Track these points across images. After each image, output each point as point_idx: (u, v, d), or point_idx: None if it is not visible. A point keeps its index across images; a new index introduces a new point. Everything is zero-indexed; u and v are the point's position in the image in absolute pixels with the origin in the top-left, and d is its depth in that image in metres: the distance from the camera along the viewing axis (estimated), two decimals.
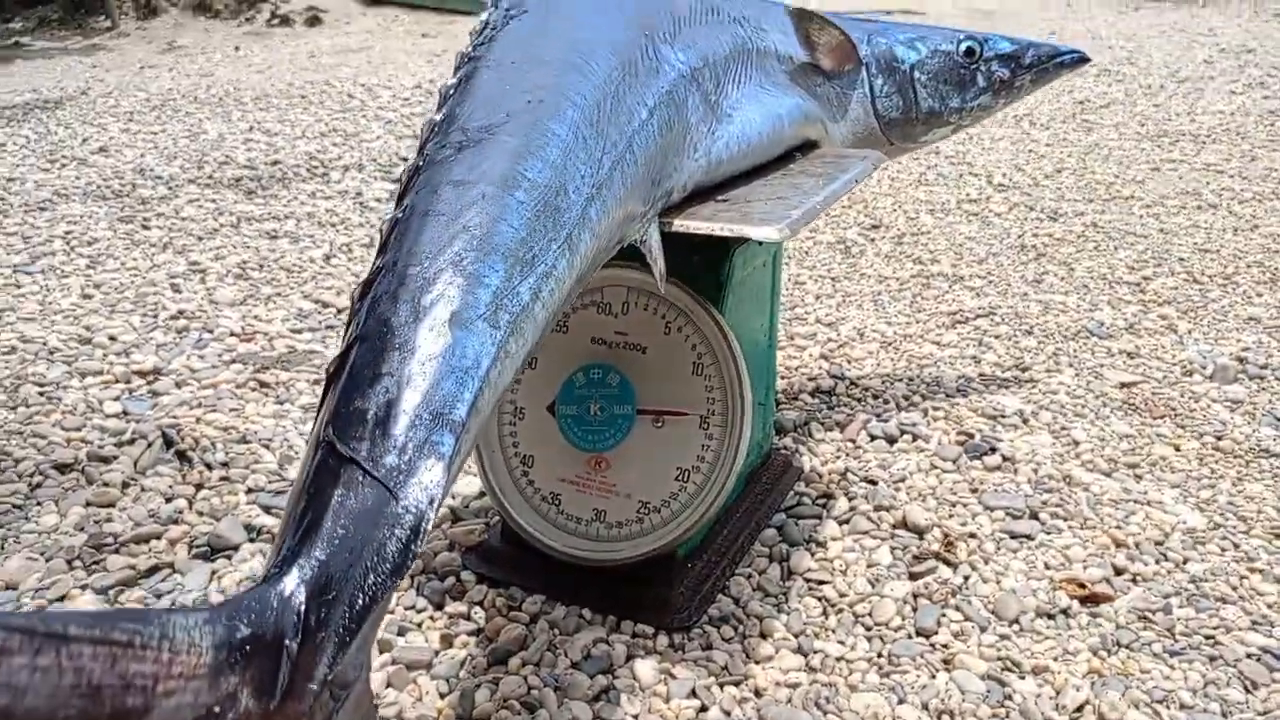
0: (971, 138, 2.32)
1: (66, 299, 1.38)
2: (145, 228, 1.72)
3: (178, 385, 1.12)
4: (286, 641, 0.31)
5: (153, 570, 0.79)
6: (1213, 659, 0.71)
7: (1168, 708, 0.66)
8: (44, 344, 1.22)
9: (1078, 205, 1.81)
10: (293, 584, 0.32)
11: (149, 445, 0.98)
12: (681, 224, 0.65)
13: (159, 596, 0.76)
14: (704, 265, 0.74)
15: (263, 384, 1.13)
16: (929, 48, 0.94)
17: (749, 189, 0.72)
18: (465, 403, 0.39)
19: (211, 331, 1.27)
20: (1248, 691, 0.68)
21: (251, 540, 0.83)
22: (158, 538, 0.83)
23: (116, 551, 0.82)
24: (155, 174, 2.04)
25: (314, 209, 1.84)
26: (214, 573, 0.79)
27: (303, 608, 0.31)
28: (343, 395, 0.38)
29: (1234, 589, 0.78)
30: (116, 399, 1.08)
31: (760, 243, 0.67)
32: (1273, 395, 1.10)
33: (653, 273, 0.65)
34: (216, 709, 0.29)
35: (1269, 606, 0.76)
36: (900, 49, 0.93)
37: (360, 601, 0.32)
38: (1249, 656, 0.71)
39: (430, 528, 0.35)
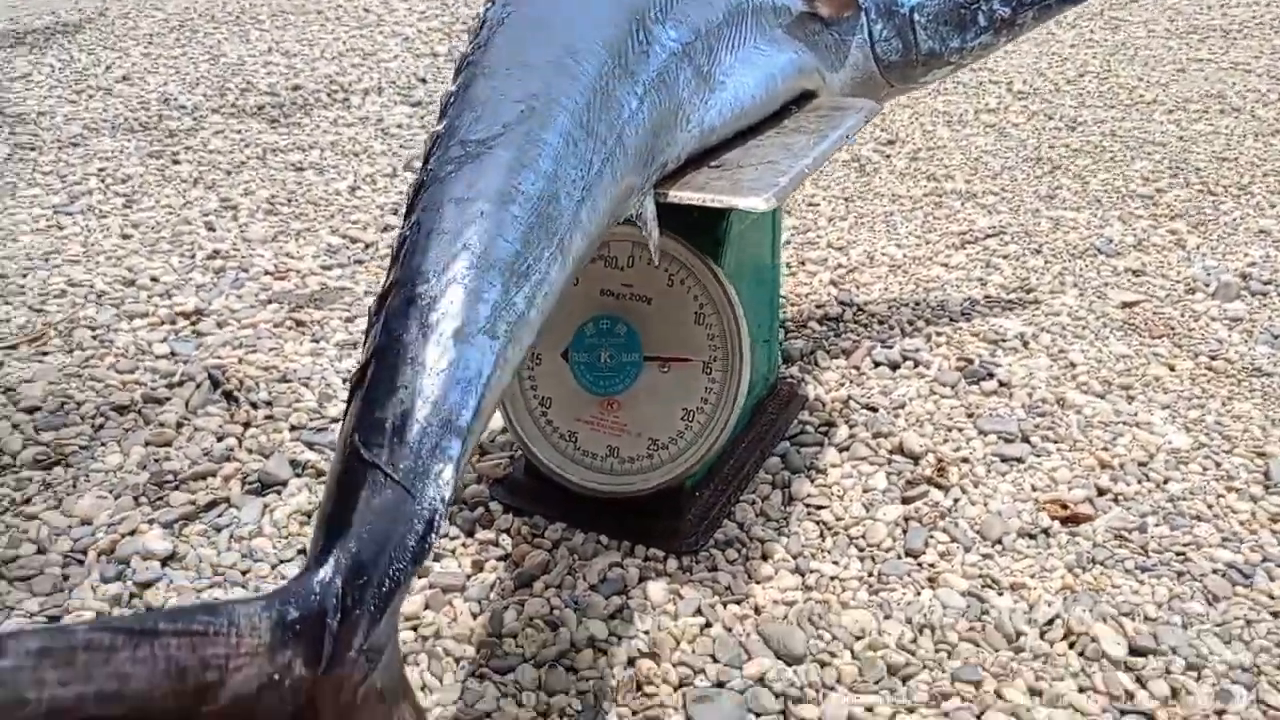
0: None
1: (108, 240, 1.45)
2: (175, 162, 1.77)
3: (219, 326, 1.19)
4: (328, 620, 0.38)
5: (210, 505, 0.87)
6: (1180, 574, 0.77)
7: (1132, 620, 0.72)
8: (91, 287, 1.29)
9: (1098, 112, 1.80)
10: (330, 572, 0.39)
11: (197, 386, 1.05)
12: (675, 195, 0.69)
13: (218, 530, 0.84)
14: (702, 224, 0.78)
15: (298, 323, 1.19)
16: None
17: (742, 152, 0.76)
18: (470, 409, 0.45)
19: (247, 271, 1.33)
20: (1209, 604, 0.74)
21: (298, 476, 0.91)
22: (213, 475, 0.91)
23: (177, 488, 0.90)
24: (179, 103, 2.07)
25: (336, 138, 1.88)
26: (266, 506, 0.87)
27: (340, 592, 0.38)
28: (364, 406, 0.44)
29: (1209, 507, 0.83)
30: (164, 340, 1.16)
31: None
32: (1273, 312, 1.13)
33: (651, 250, 0.69)
34: (275, 677, 0.36)
35: (1240, 524, 0.81)
36: None
37: (387, 585, 0.39)
38: (1214, 572, 0.76)
39: (442, 521, 0.41)
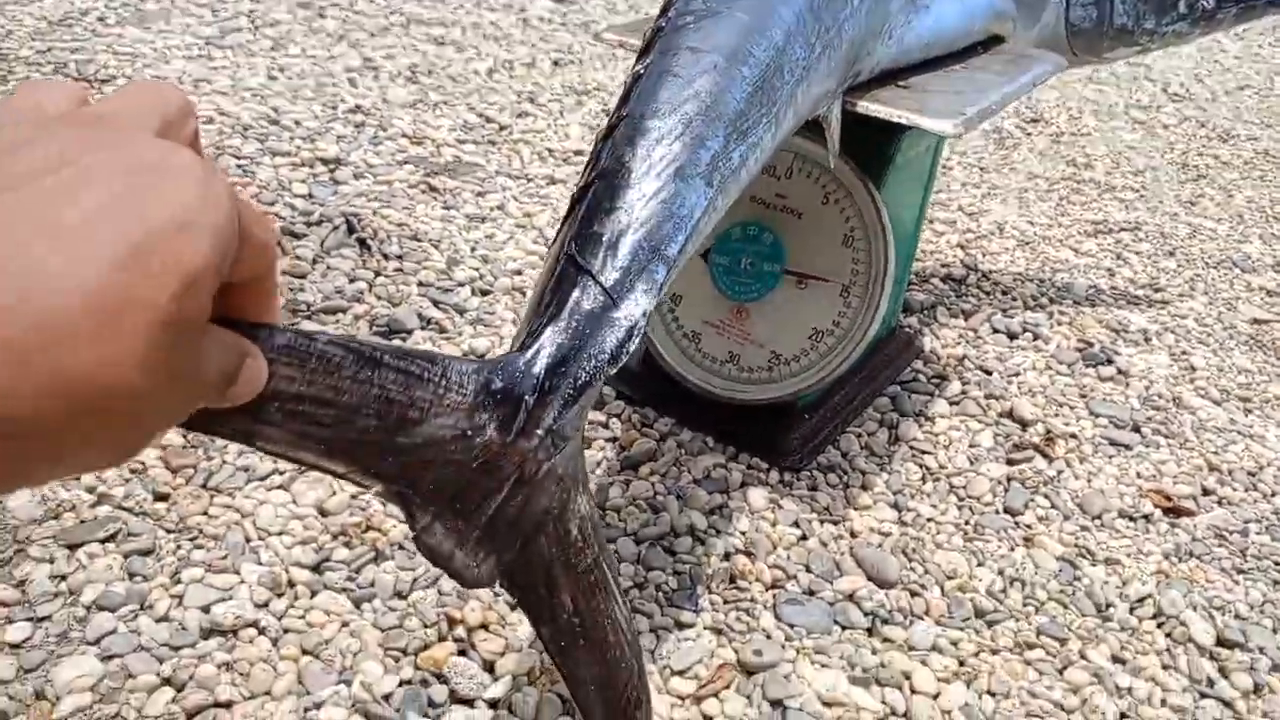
0: None
1: (255, 78, 1.48)
2: (321, 16, 1.80)
3: (356, 177, 1.22)
4: (526, 396, 0.40)
5: None
6: (1276, 582, 0.76)
7: (1223, 615, 0.73)
8: (238, 119, 1.33)
9: (1253, 129, 1.74)
10: (535, 356, 0.42)
11: (334, 229, 1.09)
12: (864, 105, 0.69)
13: None
14: (872, 144, 0.78)
15: (431, 188, 1.22)
16: None
17: (929, 78, 0.75)
18: (678, 244, 0.47)
19: (385, 130, 1.36)
20: None
21: (423, 328, 0.94)
22: (343, 311, 0.95)
23: (310, 319, 0.94)
24: None
25: (479, 19, 1.89)
26: None
27: (541, 374, 0.41)
28: (584, 219, 0.46)
29: None
30: (304, 181, 1.19)
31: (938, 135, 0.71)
32: None
33: (825, 144, 0.70)
34: (469, 432, 0.39)
35: None
36: None
37: (582, 378, 0.42)
38: None
39: (641, 334, 0.43)
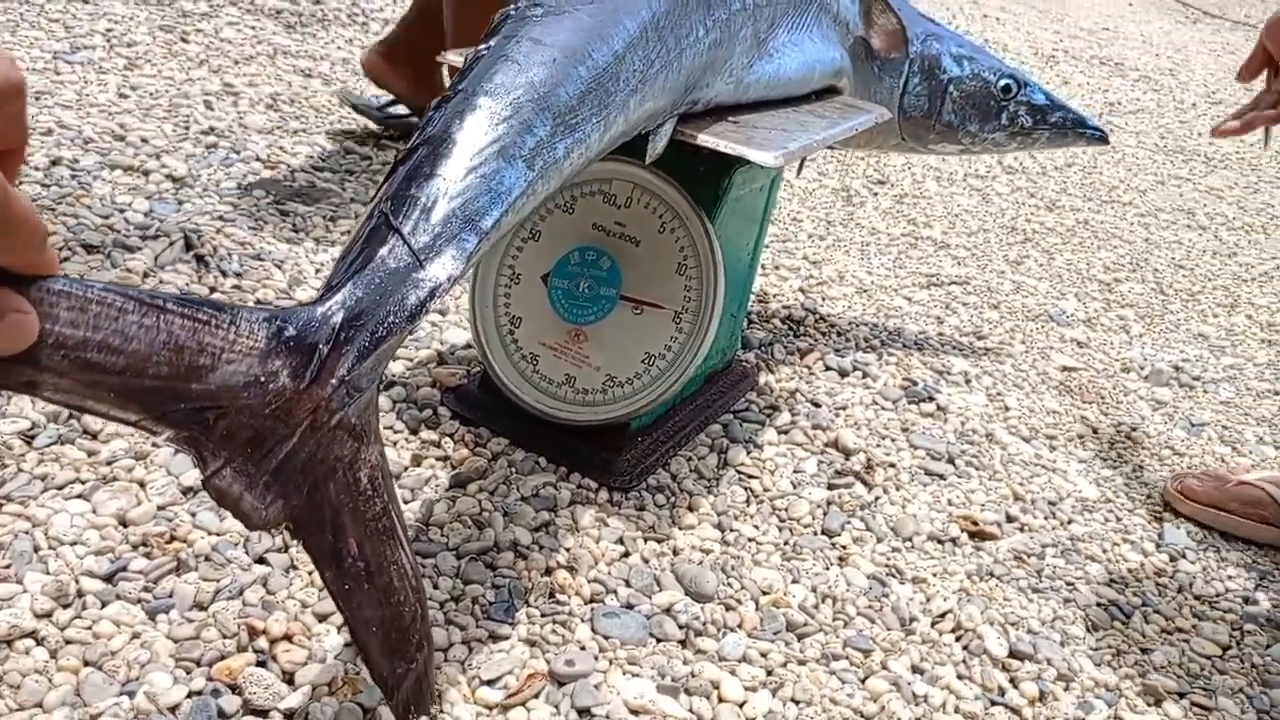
0: None
1: (104, 94, 1.43)
2: (184, 40, 1.76)
3: (202, 195, 1.19)
4: (320, 345, 0.41)
5: None
6: (1067, 601, 0.82)
7: (1016, 629, 0.77)
8: (79, 132, 1.28)
9: (1076, 201, 1.88)
10: (333, 307, 0.43)
11: (171, 244, 1.06)
12: (692, 134, 0.73)
13: None
14: (705, 176, 0.81)
15: (282, 211, 1.20)
16: (972, 70, 1.00)
17: (760, 116, 0.80)
18: (492, 217, 0.49)
19: (239, 153, 1.33)
20: (1088, 631, 0.79)
21: None
22: None
23: None
24: None
25: (349, 55, 1.88)
26: None
27: (337, 325, 0.42)
28: (403, 180, 0.48)
29: (1104, 552, 0.89)
30: (147, 198, 1.15)
31: (760, 166, 0.75)
32: (1195, 404, 1.20)
33: (665, 178, 0.73)
34: (262, 379, 0.40)
35: (1128, 571, 0.87)
36: (947, 60, 0.99)
37: (380, 332, 0.43)
38: (1098, 605, 0.82)
39: (443, 297, 0.45)
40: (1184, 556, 0.91)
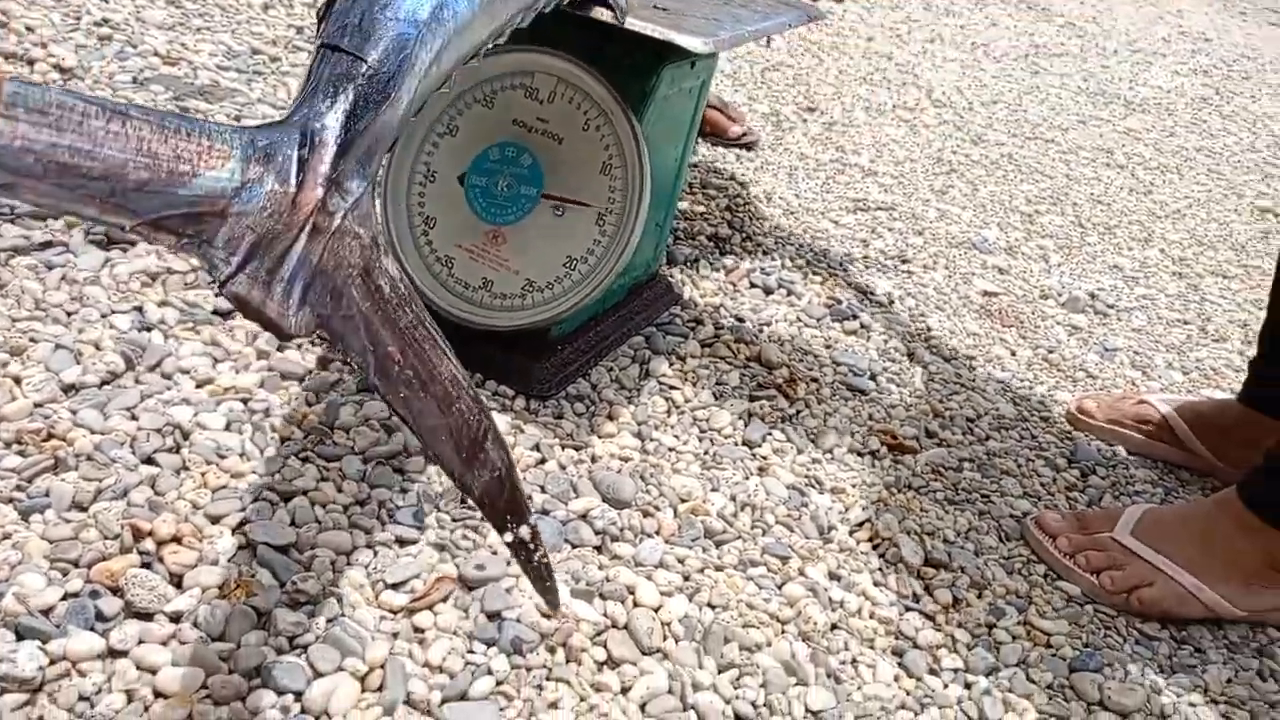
0: (925, 52, 2.36)
1: None
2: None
3: (93, 88, 1.11)
4: (296, 150, 0.42)
5: (46, 245, 0.81)
6: (982, 513, 0.82)
7: (932, 539, 0.77)
8: None
9: (1000, 136, 1.89)
10: (296, 119, 0.43)
11: None
12: (623, 21, 0.69)
13: (50, 268, 0.79)
14: (633, 72, 0.78)
15: (183, 109, 1.12)
16: None
17: (690, 4, 0.76)
18: (428, 8, 0.48)
19: (135, 47, 1.24)
20: (1001, 541, 0.80)
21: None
22: (55, 218, 0.85)
23: (13, 222, 0.83)
24: None
25: None
26: (108, 260, 0.82)
27: (306, 131, 0.43)
28: (335, 16, 0.48)
29: (1018, 467, 0.90)
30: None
31: (695, 57, 0.72)
32: (1109, 330, 1.22)
33: (587, 69, 0.69)
34: (248, 184, 0.40)
35: (1041, 485, 0.88)
36: None
37: (351, 129, 0.43)
38: (1011, 517, 0.83)
39: (405, 94, 0.46)
40: (1094, 473, 0.92)
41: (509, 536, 0.49)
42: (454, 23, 0.51)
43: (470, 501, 0.51)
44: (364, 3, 0.48)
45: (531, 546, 0.50)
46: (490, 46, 0.59)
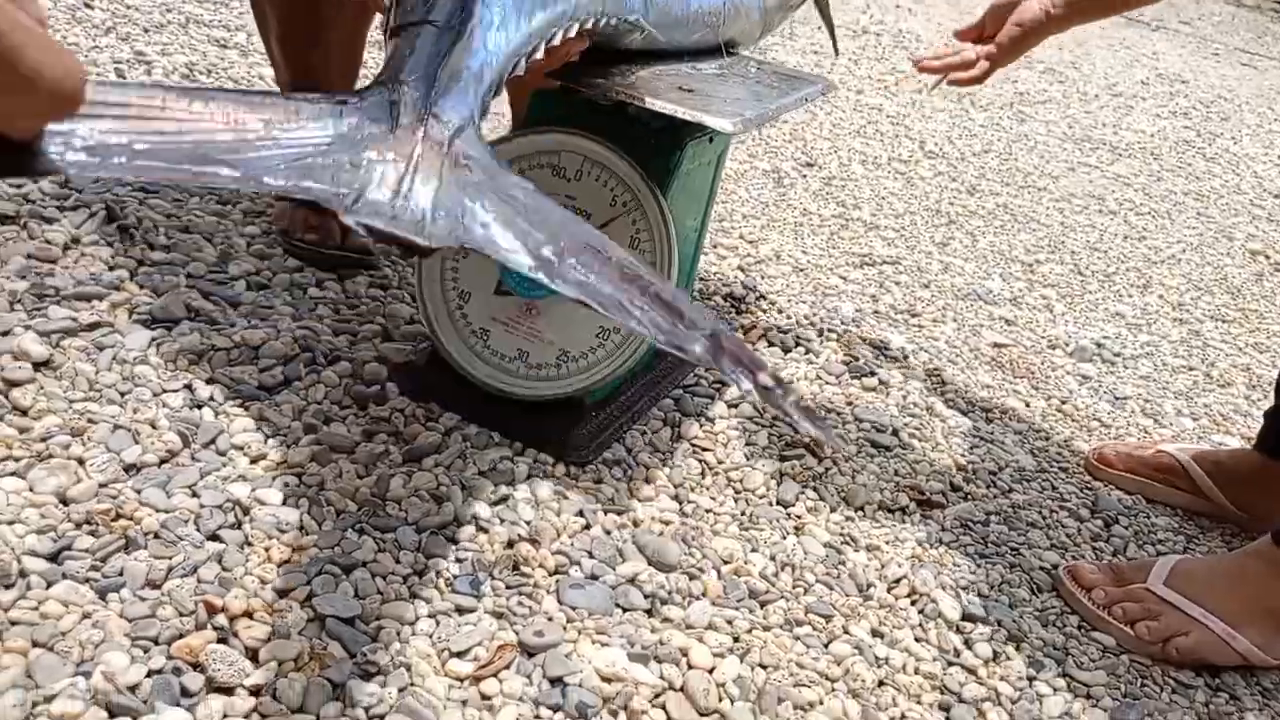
0: (913, 104, 2.42)
1: None
2: (88, 6, 1.67)
3: None
4: (384, 99, 0.46)
5: (94, 326, 0.84)
6: (1012, 566, 0.84)
7: (968, 593, 0.79)
8: None
9: (994, 186, 1.94)
10: (384, 78, 0.48)
11: (91, 214, 1.00)
12: (651, 102, 0.72)
13: (100, 349, 0.81)
14: (657, 149, 0.81)
15: (211, 189, 1.15)
16: None
17: (713, 87, 0.80)
18: None
19: None
20: (1033, 593, 0.82)
21: (192, 319, 0.88)
22: (99, 299, 0.87)
23: (58, 303, 0.85)
24: None
25: None
26: (154, 340, 0.84)
27: (391, 82, 0.47)
28: (401, 8, 0.52)
29: (1043, 519, 0.92)
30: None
31: (714, 133, 0.75)
32: (1118, 379, 1.25)
33: (614, 150, 0.73)
34: (346, 133, 0.44)
35: (1066, 536, 0.90)
36: None
37: (436, 68, 0.48)
38: (1040, 569, 0.85)
39: (478, 40, 0.51)
40: (1117, 522, 0.94)
41: (758, 381, 0.46)
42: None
43: (706, 368, 0.50)
44: None
45: (781, 392, 0.46)
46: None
